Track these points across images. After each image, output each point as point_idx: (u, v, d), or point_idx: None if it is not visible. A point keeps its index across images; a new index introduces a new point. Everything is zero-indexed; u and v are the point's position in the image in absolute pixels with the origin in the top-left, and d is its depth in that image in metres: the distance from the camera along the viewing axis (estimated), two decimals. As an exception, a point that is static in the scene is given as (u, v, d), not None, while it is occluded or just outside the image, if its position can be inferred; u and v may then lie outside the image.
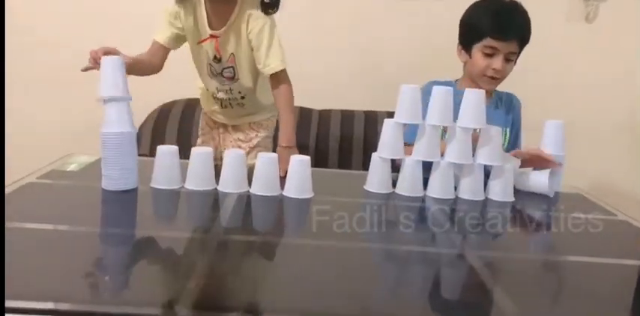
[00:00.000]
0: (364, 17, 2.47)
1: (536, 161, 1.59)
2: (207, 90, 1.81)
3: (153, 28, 1.69)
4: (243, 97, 1.77)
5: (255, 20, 1.60)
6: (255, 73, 1.72)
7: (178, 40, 1.68)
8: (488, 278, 1.03)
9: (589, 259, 1.16)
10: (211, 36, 1.64)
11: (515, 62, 1.72)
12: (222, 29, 1.63)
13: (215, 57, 1.68)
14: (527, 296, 0.97)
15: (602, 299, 0.98)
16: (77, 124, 2.29)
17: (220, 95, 1.77)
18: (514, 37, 1.65)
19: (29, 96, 2.45)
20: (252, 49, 1.64)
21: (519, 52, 1.71)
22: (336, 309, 0.86)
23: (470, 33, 1.71)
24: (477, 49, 1.68)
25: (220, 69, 1.70)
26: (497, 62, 1.66)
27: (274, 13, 1.62)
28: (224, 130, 1.90)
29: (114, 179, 1.27)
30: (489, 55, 1.67)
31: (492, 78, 1.69)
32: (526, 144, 1.80)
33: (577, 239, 1.26)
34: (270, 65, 1.62)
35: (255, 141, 1.84)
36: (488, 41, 1.66)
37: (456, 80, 1.80)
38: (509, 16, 1.67)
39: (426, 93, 1.48)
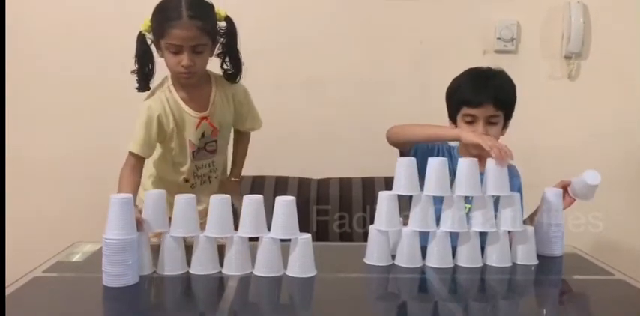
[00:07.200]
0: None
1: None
2: (184, 174, 1.79)
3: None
4: (217, 169, 1.83)
5: (237, 90, 1.78)
6: (227, 140, 1.84)
7: (156, 146, 1.72)
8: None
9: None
10: (202, 118, 1.72)
11: (507, 125, 1.74)
12: (208, 110, 1.72)
13: (202, 134, 1.73)
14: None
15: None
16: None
17: (201, 172, 1.80)
18: (487, 102, 1.67)
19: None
20: (232, 117, 1.78)
21: (506, 115, 1.73)
22: None
23: (450, 106, 1.77)
24: (459, 119, 1.73)
25: (204, 144, 1.76)
26: (479, 128, 1.69)
27: (238, 81, 1.76)
28: None
29: (115, 275, 1.29)
30: (470, 123, 1.71)
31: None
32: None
33: (577, 302, 1.28)
34: (255, 125, 1.86)
35: None
36: (464, 110, 1.70)
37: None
38: (481, 82, 1.71)
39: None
